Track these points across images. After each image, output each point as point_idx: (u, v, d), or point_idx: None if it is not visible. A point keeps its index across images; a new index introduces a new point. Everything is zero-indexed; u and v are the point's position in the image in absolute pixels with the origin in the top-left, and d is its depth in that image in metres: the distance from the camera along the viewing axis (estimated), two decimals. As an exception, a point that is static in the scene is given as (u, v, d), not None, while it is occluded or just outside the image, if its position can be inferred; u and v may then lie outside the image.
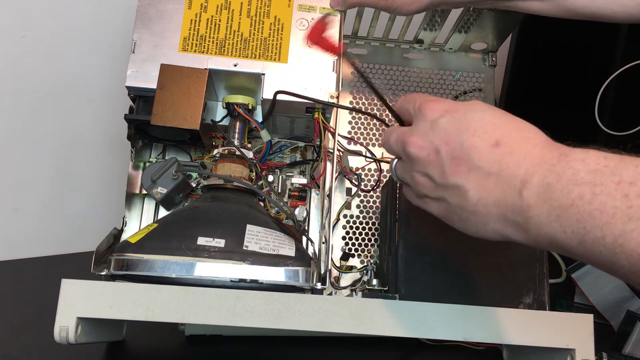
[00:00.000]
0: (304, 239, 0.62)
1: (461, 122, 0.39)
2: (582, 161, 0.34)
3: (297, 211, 0.67)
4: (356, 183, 0.71)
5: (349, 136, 0.73)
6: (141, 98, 0.59)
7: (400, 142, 0.43)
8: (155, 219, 0.66)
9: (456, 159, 0.38)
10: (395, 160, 0.45)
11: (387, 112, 0.74)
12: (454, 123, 0.39)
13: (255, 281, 0.51)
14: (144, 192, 0.64)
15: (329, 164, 0.62)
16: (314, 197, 0.69)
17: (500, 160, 0.37)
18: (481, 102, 0.41)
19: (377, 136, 0.74)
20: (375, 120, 0.73)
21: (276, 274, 0.52)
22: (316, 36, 0.45)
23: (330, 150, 0.62)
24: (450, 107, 0.41)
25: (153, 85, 0.56)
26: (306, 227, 0.67)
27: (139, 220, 0.66)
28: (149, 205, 0.66)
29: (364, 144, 0.73)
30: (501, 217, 0.37)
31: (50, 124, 0.91)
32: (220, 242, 0.51)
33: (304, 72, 0.59)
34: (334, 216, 0.69)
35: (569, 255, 0.35)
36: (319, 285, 0.54)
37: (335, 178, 0.65)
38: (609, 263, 0.32)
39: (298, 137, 0.69)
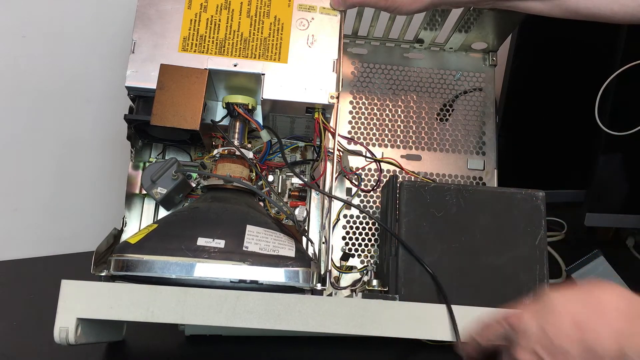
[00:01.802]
0: (304, 239, 0.62)
1: (546, 325, 0.44)
2: None
3: (297, 211, 0.66)
4: (356, 183, 0.71)
5: (349, 136, 0.73)
6: (141, 98, 0.58)
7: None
8: (155, 219, 0.66)
9: (555, 355, 0.43)
10: None
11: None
12: (540, 326, 0.44)
13: (255, 282, 0.51)
14: (144, 192, 0.64)
15: (329, 164, 0.62)
16: (314, 197, 0.69)
17: (591, 340, 0.42)
18: (555, 294, 0.46)
19: (377, 136, 0.74)
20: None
21: (276, 275, 0.52)
22: None
23: (330, 150, 0.62)
24: (534, 312, 0.46)
25: (153, 85, 0.56)
26: (306, 227, 0.67)
27: (139, 221, 0.66)
28: (149, 206, 0.66)
29: (364, 144, 0.73)
30: None
31: (50, 124, 0.91)
32: (220, 243, 0.51)
33: (304, 72, 0.59)
34: (334, 216, 0.69)
35: None
36: (319, 286, 0.54)
37: (335, 178, 0.65)
38: None
39: (298, 137, 0.69)
